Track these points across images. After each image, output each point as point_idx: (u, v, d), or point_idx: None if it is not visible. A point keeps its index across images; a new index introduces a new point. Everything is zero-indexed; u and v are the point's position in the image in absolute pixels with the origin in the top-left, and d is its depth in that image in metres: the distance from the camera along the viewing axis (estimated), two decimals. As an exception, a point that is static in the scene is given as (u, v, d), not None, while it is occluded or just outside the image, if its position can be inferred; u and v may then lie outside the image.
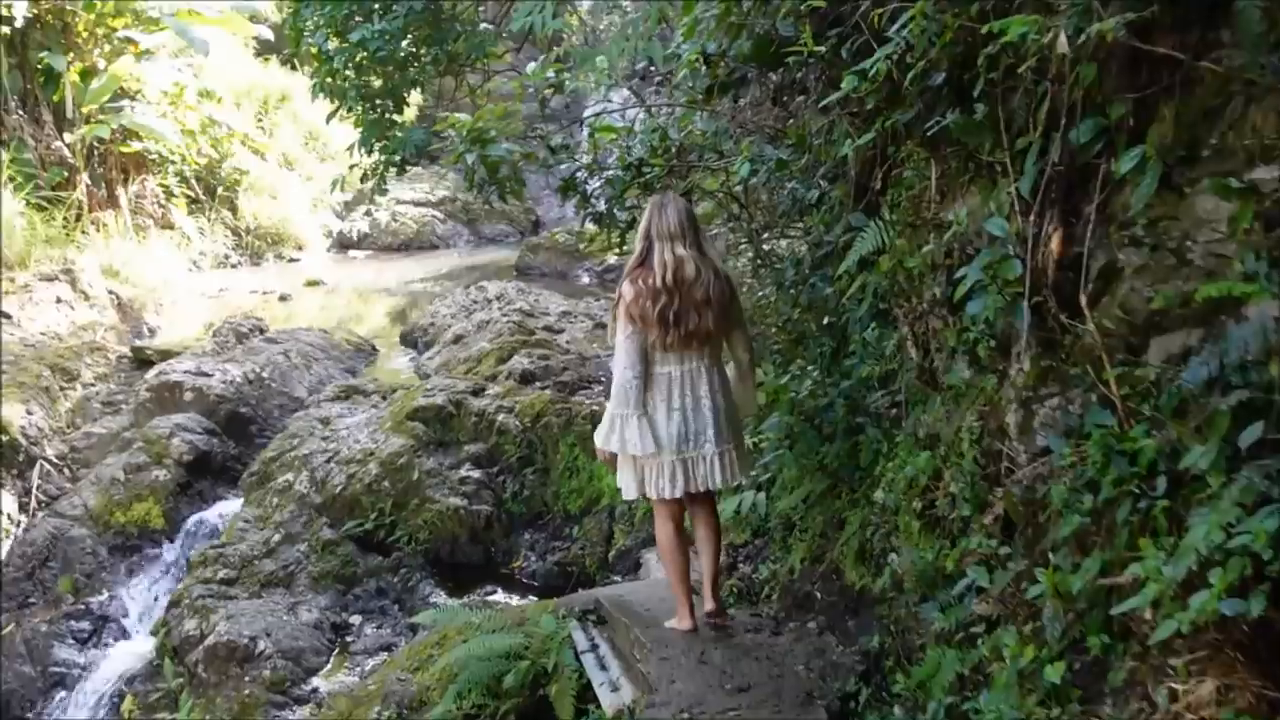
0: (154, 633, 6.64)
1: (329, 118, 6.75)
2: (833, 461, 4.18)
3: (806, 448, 4.43)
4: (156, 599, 7.40)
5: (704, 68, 3.77)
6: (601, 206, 4.67)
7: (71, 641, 7.03)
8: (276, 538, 7.12)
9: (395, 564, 7.09)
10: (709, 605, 4.07)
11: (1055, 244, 2.40)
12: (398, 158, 6.16)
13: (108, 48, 15.56)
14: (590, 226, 4.85)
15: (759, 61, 3.52)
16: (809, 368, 4.76)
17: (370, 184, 6.17)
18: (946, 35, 2.47)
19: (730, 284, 3.96)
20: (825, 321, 4.73)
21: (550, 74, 4.23)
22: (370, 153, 6.30)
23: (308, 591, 6.83)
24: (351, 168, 6.28)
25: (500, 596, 6.88)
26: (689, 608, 4.09)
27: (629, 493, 4.01)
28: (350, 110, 6.12)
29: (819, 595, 4.38)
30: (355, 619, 6.75)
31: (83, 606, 7.27)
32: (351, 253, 18.75)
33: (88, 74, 15.09)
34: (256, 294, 15.08)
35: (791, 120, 4.04)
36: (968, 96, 2.49)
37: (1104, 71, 2.23)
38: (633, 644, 4.13)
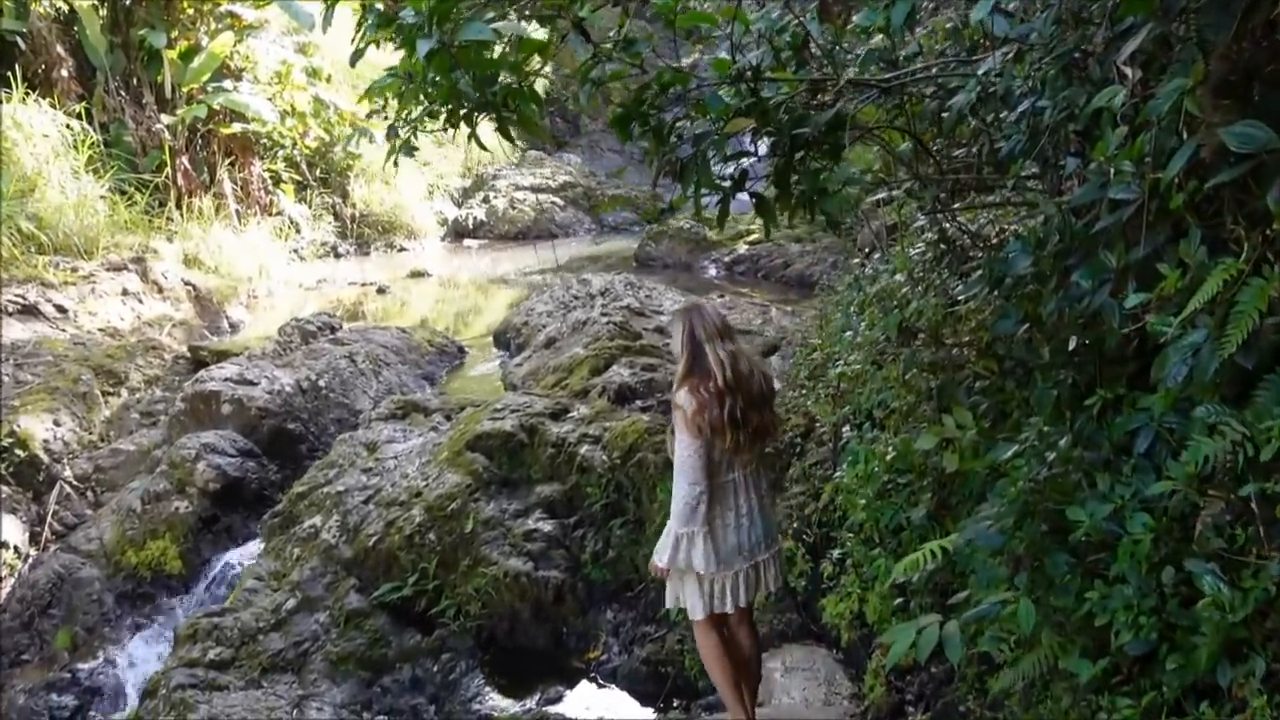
0: (126, 728, 5.16)
1: (354, 59, 5.05)
2: (1122, 630, 2.15)
3: (1050, 584, 2.42)
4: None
5: None
6: (686, 151, 2.74)
7: (49, 721, 5.66)
8: (291, 603, 5.53)
9: (437, 645, 5.38)
10: None
11: None
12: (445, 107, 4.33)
13: (212, 24, 14.62)
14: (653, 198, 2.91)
15: None
16: (1046, 430, 2.73)
17: (398, 144, 4.38)
18: None
19: (771, 381, 3.80)
20: (1070, 348, 2.68)
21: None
22: (401, 103, 4.52)
23: (322, 680, 5.20)
24: (370, 115, 4.58)
25: (568, 704, 5.08)
26: (744, 707, 3.86)
27: (697, 613, 3.73)
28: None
29: None
30: (379, 721, 5.09)
31: (68, 674, 5.90)
32: (466, 242, 17.44)
33: (190, 52, 14.17)
34: (356, 286, 13.87)
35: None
36: None
37: None
38: None
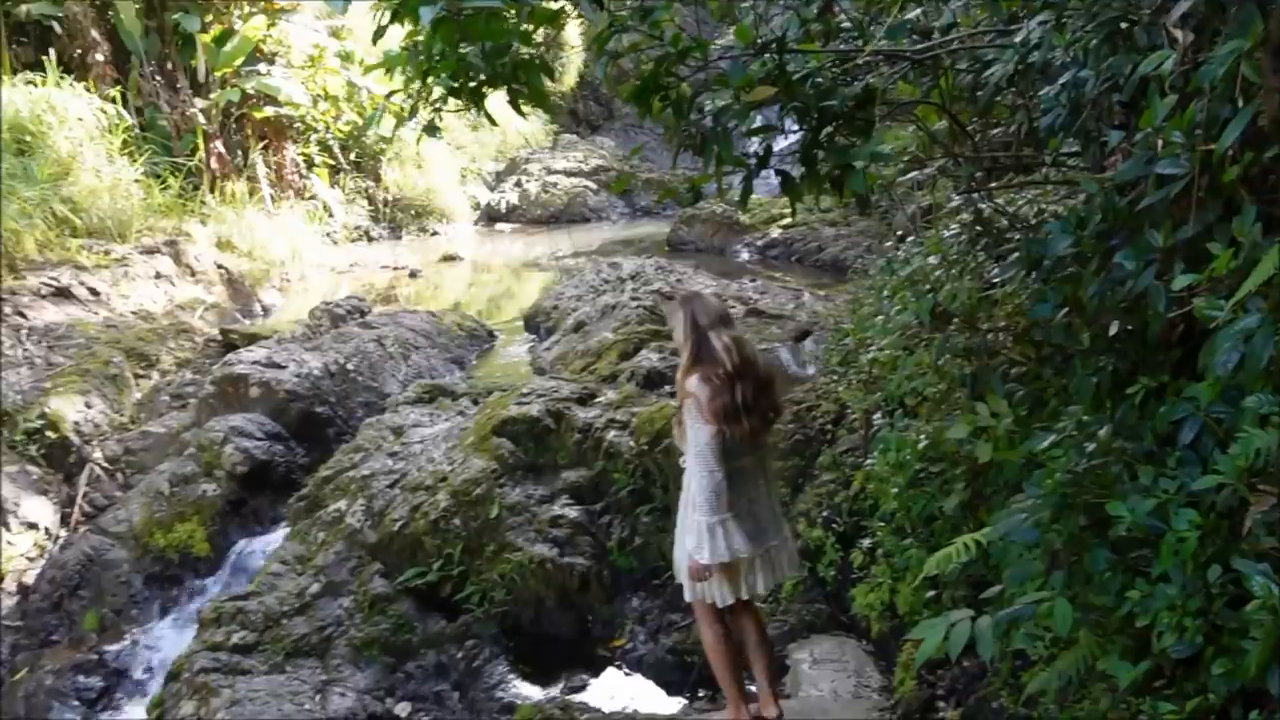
0: (150, 712, 5.15)
1: (375, 37, 4.95)
2: (1165, 631, 2.03)
3: (1089, 581, 2.30)
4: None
5: None
6: (708, 124, 2.63)
7: (76, 703, 5.69)
8: (315, 587, 5.51)
9: (461, 631, 5.34)
10: (772, 711, 3.82)
11: None
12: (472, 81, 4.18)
13: (245, 8, 14.65)
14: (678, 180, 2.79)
15: None
16: (1085, 419, 2.60)
17: (420, 118, 4.26)
18: None
19: (770, 367, 3.95)
20: (1111, 334, 2.55)
21: None
22: (411, 78, 4.38)
23: (345, 665, 5.18)
24: (390, 95, 4.49)
25: (593, 692, 5.02)
26: (744, 702, 3.85)
27: (726, 600, 3.70)
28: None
29: None
30: (403, 708, 5.05)
31: (95, 656, 5.93)
32: (499, 225, 17.43)
33: (224, 36, 14.20)
34: (388, 270, 13.88)
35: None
36: None
37: None
38: None
